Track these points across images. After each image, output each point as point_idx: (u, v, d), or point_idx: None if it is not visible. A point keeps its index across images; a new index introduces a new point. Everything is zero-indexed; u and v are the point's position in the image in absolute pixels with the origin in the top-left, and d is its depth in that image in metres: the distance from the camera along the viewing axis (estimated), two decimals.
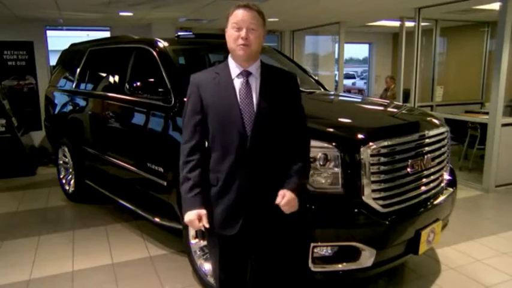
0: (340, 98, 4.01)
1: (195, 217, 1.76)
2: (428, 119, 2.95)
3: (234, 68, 1.80)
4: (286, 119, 1.82)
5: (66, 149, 4.73)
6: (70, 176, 4.76)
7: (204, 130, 1.80)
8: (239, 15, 1.73)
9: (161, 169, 3.09)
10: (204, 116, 1.79)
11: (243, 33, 1.72)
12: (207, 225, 1.77)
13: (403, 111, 3.16)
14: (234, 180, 1.76)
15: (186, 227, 2.83)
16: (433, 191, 2.70)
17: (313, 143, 2.23)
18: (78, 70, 4.60)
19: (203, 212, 1.77)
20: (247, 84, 1.78)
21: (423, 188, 2.60)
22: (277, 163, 1.81)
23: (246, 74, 1.79)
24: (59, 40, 9.29)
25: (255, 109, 1.74)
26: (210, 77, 1.82)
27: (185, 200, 1.81)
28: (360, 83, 21.34)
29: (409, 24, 6.70)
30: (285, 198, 1.74)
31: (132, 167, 3.49)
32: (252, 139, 1.73)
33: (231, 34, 1.75)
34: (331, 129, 2.47)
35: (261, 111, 1.74)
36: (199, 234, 2.80)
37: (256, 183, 1.77)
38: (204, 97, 1.79)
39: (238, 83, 1.78)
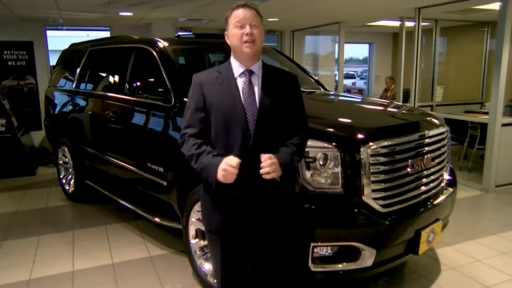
0: (340, 98, 4.01)
1: (228, 159, 1.67)
2: (428, 119, 2.95)
3: (237, 68, 1.82)
4: (287, 118, 1.83)
5: (66, 149, 4.72)
6: (70, 176, 4.76)
7: (207, 129, 1.81)
8: (240, 14, 1.76)
9: (161, 169, 3.09)
10: (207, 114, 1.80)
11: (247, 29, 1.74)
12: (240, 160, 1.67)
13: (403, 111, 3.16)
14: (236, 179, 1.76)
15: (186, 226, 2.84)
16: (433, 191, 2.70)
17: (313, 143, 2.24)
18: (78, 70, 4.60)
19: (231, 156, 1.69)
20: (249, 83, 1.79)
21: (423, 188, 2.60)
22: None
23: (248, 73, 1.80)
24: (59, 40, 9.29)
25: (257, 107, 1.76)
26: (213, 77, 1.84)
27: (209, 164, 1.71)
28: (360, 83, 21.34)
29: (409, 24, 6.70)
30: (267, 159, 1.67)
31: (132, 167, 3.49)
32: (255, 137, 1.74)
33: (235, 33, 1.77)
34: (331, 129, 2.47)
35: (263, 110, 1.76)
36: (199, 234, 2.80)
37: (258, 181, 1.77)
38: (207, 96, 1.81)
39: (241, 82, 1.80)
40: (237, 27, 1.76)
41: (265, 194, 1.80)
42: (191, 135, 1.82)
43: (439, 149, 2.75)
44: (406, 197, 2.49)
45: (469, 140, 5.80)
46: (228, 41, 1.82)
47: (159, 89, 3.12)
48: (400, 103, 5.33)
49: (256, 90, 1.79)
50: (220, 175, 1.68)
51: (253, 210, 1.80)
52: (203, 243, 2.78)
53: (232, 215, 1.80)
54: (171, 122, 3.01)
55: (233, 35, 1.78)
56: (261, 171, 1.68)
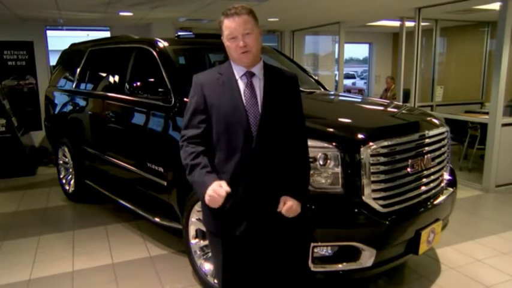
0: (340, 98, 4.01)
1: (218, 186, 1.67)
2: (428, 119, 2.95)
3: (238, 69, 1.81)
4: (288, 119, 1.82)
5: (66, 149, 4.73)
6: (70, 176, 4.76)
7: (207, 129, 1.80)
8: (230, 25, 1.72)
9: (161, 169, 3.09)
10: (208, 116, 1.80)
11: (240, 42, 1.72)
12: (229, 189, 1.68)
13: (403, 111, 3.16)
14: (238, 181, 1.76)
15: (186, 226, 2.83)
16: (433, 191, 2.70)
17: (313, 143, 2.24)
18: (78, 70, 4.60)
19: (222, 181, 1.71)
20: (251, 85, 1.79)
21: (423, 188, 2.60)
22: (281, 163, 1.82)
23: (249, 75, 1.80)
24: (59, 40, 9.31)
25: (259, 110, 1.75)
26: (214, 78, 1.83)
27: (200, 181, 1.73)
28: (360, 83, 21.35)
29: (409, 24, 6.70)
30: (286, 205, 1.76)
31: (132, 167, 3.49)
32: (258, 139, 1.74)
33: (228, 46, 1.76)
34: (331, 129, 2.47)
35: (265, 112, 1.75)
36: (200, 234, 2.80)
37: (260, 183, 1.77)
38: (208, 97, 1.80)
39: (242, 83, 1.79)
40: (230, 40, 1.74)
41: (267, 197, 1.80)
42: (190, 139, 1.81)
43: (439, 149, 2.75)
44: (406, 197, 2.49)
45: (469, 140, 5.80)
46: (226, 50, 1.81)
47: (159, 89, 3.12)
48: (400, 103, 5.33)
49: (258, 92, 1.78)
50: (206, 199, 1.70)
51: (254, 212, 1.79)
52: (203, 243, 2.78)
53: (232, 216, 1.80)
54: (171, 122, 3.01)
55: (228, 47, 1.78)
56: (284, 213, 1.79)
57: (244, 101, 1.76)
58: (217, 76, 1.83)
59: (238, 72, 1.80)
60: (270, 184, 1.79)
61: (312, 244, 2.27)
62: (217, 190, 1.67)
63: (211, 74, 1.87)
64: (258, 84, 1.80)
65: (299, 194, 1.82)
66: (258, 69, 1.81)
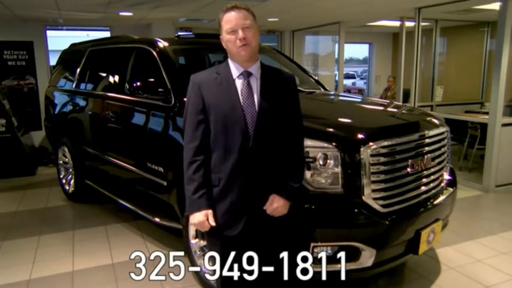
0: (340, 98, 4.01)
1: (204, 218, 1.78)
2: (428, 119, 2.95)
3: (235, 69, 1.81)
4: (285, 119, 1.83)
5: (66, 149, 4.73)
6: (70, 176, 4.76)
7: (207, 130, 1.81)
8: (231, 18, 1.75)
9: (161, 169, 3.09)
10: (206, 115, 1.80)
11: (240, 34, 1.73)
12: (214, 224, 1.78)
13: (403, 111, 3.16)
14: (235, 181, 1.76)
15: (186, 226, 2.83)
16: (433, 191, 2.70)
17: (313, 143, 2.24)
18: (78, 70, 4.60)
19: (209, 211, 1.79)
20: (248, 85, 1.79)
21: (423, 188, 2.60)
22: (278, 163, 1.82)
23: (247, 75, 1.80)
24: (59, 40, 9.30)
25: (256, 109, 1.76)
26: (212, 77, 1.83)
27: (191, 201, 1.81)
28: (360, 83, 21.36)
29: (409, 24, 6.70)
30: (272, 206, 1.79)
31: (132, 167, 3.49)
32: (255, 139, 1.74)
33: (228, 39, 1.77)
34: (331, 129, 2.47)
35: (262, 111, 1.76)
36: (199, 234, 2.80)
37: (257, 183, 1.77)
38: (205, 97, 1.80)
39: (239, 83, 1.79)
40: (230, 33, 1.75)
41: (264, 196, 1.80)
42: (193, 142, 1.81)
43: (439, 149, 2.75)
44: (406, 197, 2.49)
45: (469, 140, 5.80)
46: (223, 45, 1.82)
47: (159, 89, 3.12)
48: (400, 103, 5.33)
49: (255, 91, 1.79)
50: (195, 219, 1.80)
51: (251, 211, 1.80)
52: (203, 243, 2.78)
53: (230, 216, 1.80)
54: (171, 122, 3.01)
55: (227, 41, 1.78)
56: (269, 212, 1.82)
57: (241, 101, 1.76)
58: (214, 76, 1.83)
59: (235, 72, 1.81)
60: (266, 183, 1.79)
61: (312, 244, 2.27)
62: (202, 224, 1.79)
63: (209, 73, 1.87)
64: (255, 84, 1.80)
65: (288, 194, 1.83)
66: (255, 69, 1.81)
